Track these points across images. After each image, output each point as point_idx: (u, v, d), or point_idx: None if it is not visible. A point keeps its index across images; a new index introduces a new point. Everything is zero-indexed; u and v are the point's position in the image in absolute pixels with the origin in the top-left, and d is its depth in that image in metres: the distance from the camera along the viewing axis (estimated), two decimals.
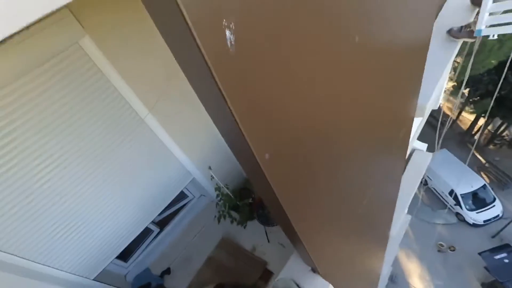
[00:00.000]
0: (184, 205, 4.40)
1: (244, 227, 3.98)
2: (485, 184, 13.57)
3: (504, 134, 15.22)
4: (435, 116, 16.12)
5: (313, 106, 1.01)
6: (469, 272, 12.19)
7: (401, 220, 7.73)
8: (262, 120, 0.81)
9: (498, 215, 13.08)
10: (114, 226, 3.10)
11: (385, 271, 10.67)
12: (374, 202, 2.59)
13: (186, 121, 3.19)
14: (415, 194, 15.03)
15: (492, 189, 13.63)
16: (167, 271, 3.87)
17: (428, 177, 14.27)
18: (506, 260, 11.54)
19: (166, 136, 3.09)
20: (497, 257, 11.62)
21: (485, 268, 11.81)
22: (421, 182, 15.83)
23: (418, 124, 3.31)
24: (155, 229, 4.12)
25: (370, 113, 1.54)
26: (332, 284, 2.13)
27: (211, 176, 3.82)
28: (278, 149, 0.91)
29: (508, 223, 12.27)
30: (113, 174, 2.79)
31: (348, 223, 1.99)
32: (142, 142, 2.87)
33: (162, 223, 4.17)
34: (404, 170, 6.09)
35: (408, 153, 4.59)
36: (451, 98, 14.69)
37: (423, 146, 6.61)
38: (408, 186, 6.50)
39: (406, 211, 8.27)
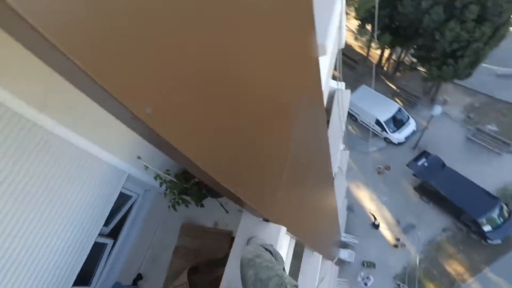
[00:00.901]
0: (131, 206, 4.17)
1: (201, 206, 3.96)
2: (400, 107, 15.69)
3: (405, 60, 17.42)
4: (350, 56, 17.75)
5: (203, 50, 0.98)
6: (404, 182, 14.39)
7: (339, 156, 8.66)
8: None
9: (414, 130, 15.38)
10: (52, 255, 2.70)
11: (341, 204, 12.06)
12: (305, 147, 2.72)
13: (92, 112, 2.62)
14: (349, 130, 16.70)
15: (405, 110, 15.84)
16: (139, 277, 3.79)
17: (356, 113, 15.95)
18: (426, 164, 13.89)
19: (75, 136, 2.66)
20: (419, 163, 13.90)
21: (413, 174, 14.08)
22: (351, 119, 17.67)
23: (328, 63, 3.72)
24: (108, 241, 3.84)
25: (272, 58, 1.58)
26: (286, 227, 2.27)
27: (145, 166, 3.60)
28: (167, 104, 0.86)
29: (422, 134, 14.53)
30: (32, 198, 2.41)
31: (282, 171, 2.03)
32: (49, 150, 2.46)
33: (113, 232, 3.92)
34: (329, 114, 6.86)
35: (327, 94, 5.08)
36: (359, 37, 16.19)
37: (342, 85, 7.46)
38: (338, 124, 7.33)
39: (341, 147, 9.28)
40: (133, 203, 4.13)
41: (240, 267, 1.64)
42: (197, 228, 3.97)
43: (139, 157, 3.49)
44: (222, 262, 2.25)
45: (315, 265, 5.49)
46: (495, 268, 11.94)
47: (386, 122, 15.28)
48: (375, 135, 15.58)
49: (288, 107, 2.03)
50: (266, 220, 2.19)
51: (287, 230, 2.36)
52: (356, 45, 18.71)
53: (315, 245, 4.99)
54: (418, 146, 14.94)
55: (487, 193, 12.93)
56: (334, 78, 6.60)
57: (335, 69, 4.80)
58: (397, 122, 15.43)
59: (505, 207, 12.75)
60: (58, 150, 2.53)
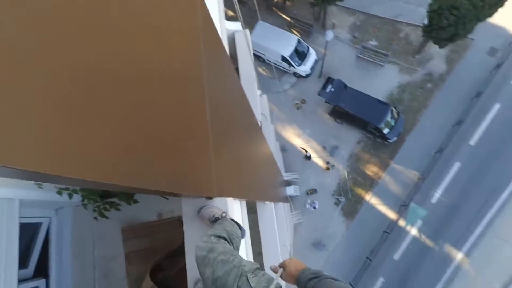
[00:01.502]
0: (47, 233, 3.40)
1: (135, 202, 3.47)
2: (298, 39, 16.07)
3: None
4: None
5: None
6: (320, 110, 15.77)
7: (259, 103, 8.66)
8: None
9: (315, 59, 16.32)
10: None
11: (275, 147, 12.60)
12: (223, 108, 2.52)
13: None
14: (261, 73, 16.41)
15: (303, 40, 16.39)
16: None
17: (262, 53, 15.66)
18: (332, 89, 15.36)
19: None
20: (327, 90, 15.22)
21: (325, 102, 15.53)
22: (259, 60, 17.17)
23: (216, 5, 3.28)
24: (39, 283, 3.16)
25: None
26: (231, 196, 2.24)
27: (37, 184, 2.86)
28: None
29: (323, 62, 15.62)
30: None
31: (205, 145, 1.89)
32: None
33: (40, 270, 3.23)
34: (235, 60, 6.44)
35: (225, 38, 4.72)
36: None
37: (237, 25, 6.98)
38: (248, 69, 7.09)
39: (258, 93, 9.21)
40: (48, 229, 3.39)
41: (197, 267, 1.58)
42: (141, 226, 3.60)
43: None
44: (183, 249, 2.15)
45: (270, 211, 5.84)
46: (397, 160, 15.21)
47: (291, 56, 15.60)
48: (284, 72, 15.94)
49: (184, 70, 1.69)
50: (209, 198, 2.11)
51: (234, 198, 2.31)
52: None
53: (264, 196, 5.27)
54: (322, 74, 16.11)
55: (380, 101, 15.45)
56: (228, 19, 6.01)
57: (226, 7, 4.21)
58: (300, 55, 15.95)
59: (394, 109, 15.70)
60: None
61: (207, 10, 2.18)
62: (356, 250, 14.33)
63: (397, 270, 14.10)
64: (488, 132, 15.04)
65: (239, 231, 2.00)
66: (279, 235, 5.90)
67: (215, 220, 2.03)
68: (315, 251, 14.05)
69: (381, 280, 14.06)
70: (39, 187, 2.86)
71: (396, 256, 14.27)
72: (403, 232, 14.50)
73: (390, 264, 14.14)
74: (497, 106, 15.46)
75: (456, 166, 15.26)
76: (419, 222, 14.65)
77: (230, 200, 2.14)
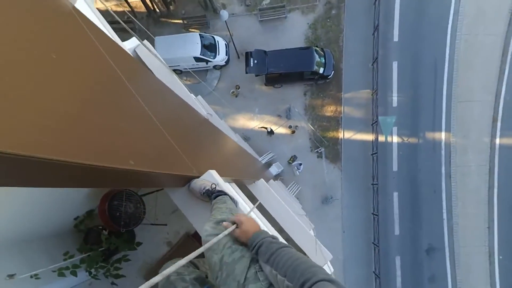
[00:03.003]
0: None
1: (139, 245, 3.40)
2: (199, 34, 15.72)
3: None
4: (118, 21, 15.58)
5: None
6: (256, 86, 15.64)
7: (198, 103, 8.70)
8: None
9: (225, 44, 16.03)
10: None
11: (237, 139, 12.33)
12: (155, 101, 2.79)
13: None
14: (185, 83, 16.10)
15: (205, 33, 16.08)
16: None
17: (175, 65, 15.07)
18: (256, 61, 15.14)
19: None
20: (252, 64, 14.96)
21: (256, 75, 15.38)
22: (177, 73, 16.66)
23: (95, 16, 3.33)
24: None
25: None
26: (214, 169, 2.28)
27: (32, 275, 2.50)
28: None
29: (233, 41, 15.43)
30: None
31: (161, 135, 2.02)
32: None
33: None
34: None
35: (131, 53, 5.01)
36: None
37: (133, 40, 6.71)
38: (164, 73, 6.97)
39: (192, 96, 9.10)
40: None
41: (204, 251, 1.51)
42: (160, 263, 3.42)
43: (10, 276, 2.34)
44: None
45: (264, 186, 5.81)
46: (345, 89, 15.45)
47: (202, 53, 15.23)
48: (206, 71, 15.56)
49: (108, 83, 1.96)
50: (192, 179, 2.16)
51: (219, 171, 2.34)
52: (113, 9, 16.41)
53: (249, 175, 5.56)
54: (239, 53, 15.94)
55: (301, 48, 15.65)
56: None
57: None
58: (210, 47, 15.59)
59: (317, 48, 15.94)
60: None
61: (107, 38, 2.49)
62: (360, 183, 14.53)
63: (401, 179, 14.50)
64: (402, 23, 15.81)
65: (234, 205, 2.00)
66: (288, 206, 5.78)
67: (206, 193, 2.01)
68: (328, 206, 14.04)
69: (395, 195, 14.37)
70: (37, 278, 2.43)
71: (394, 167, 14.64)
72: (387, 145, 14.90)
73: (393, 176, 14.48)
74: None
75: (395, 65, 15.90)
76: (395, 129, 15.11)
77: (215, 173, 2.15)
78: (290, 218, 5.30)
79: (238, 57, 15.95)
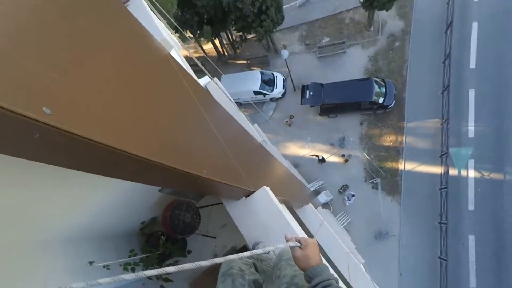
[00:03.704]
0: None
1: (189, 253, 3.65)
2: (260, 71, 17.25)
3: (235, 37, 19.17)
4: (195, 64, 18.36)
5: None
6: (310, 116, 15.97)
7: (255, 131, 9.47)
8: None
9: (283, 79, 17.15)
10: None
11: (287, 164, 12.53)
12: (228, 132, 3.37)
13: None
14: (245, 114, 17.09)
15: (266, 70, 17.54)
16: None
17: (236, 98, 16.68)
18: (311, 93, 15.63)
19: None
20: (307, 96, 15.47)
21: (310, 106, 15.73)
22: (238, 107, 17.92)
23: (181, 60, 4.10)
24: None
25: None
26: (268, 186, 2.44)
27: (104, 266, 2.84)
28: None
29: (291, 77, 16.35)
30: None
31: (224, 151, 2.40)
32: None
33: None
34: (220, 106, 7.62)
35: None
36: (184, 45, 16.93)
37: (206, 79, 7.83)
38: (230, 105, 7.81)
39: (251, 125, 9.85)
40: None
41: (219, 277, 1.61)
42: (206, 273, 3.52)
43: (90, 263, 2.71)
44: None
45: (312, 212, 5.78)
46: (408, 118, 14.46)
47: (261, 87, 16.57)
48: (263, 103, 16.72)
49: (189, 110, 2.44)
50: (248, 195, 2.32)
51: (272, 190, 2.45)
52: (191, 55, 19.54)
53: (297, 199, 5.67)
54: (295, 86, 16.73)
55: (361, 79, 15.56)
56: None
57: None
58: (268, 82, 16.91)
59: (376, 79, 15.58)
60: None
61: (190, 76, 3.13)
62: (423, 220, 12.67)
63: (480, 220, 12.13)
64: (481, 50, 14.43)
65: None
66: (336, 234, 5.74)
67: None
68: (382, 243, 12.54)
69: (471, 238, 11.99)
70: (107, 269, 2.86)
71: (470, 206, 12.40)
72: (460, 179, 12.90)
73: (469, 217, 12.22)
74: (475, 25, 15.13)
75: (472, 93, 14.28)
76: (471, 162, 13.08)
77: (268, 190, 2.36)
78: (341, 252, 5.08)
79: (295, 90, 16.72)
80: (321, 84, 15.86)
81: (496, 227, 11.94)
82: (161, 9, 4.88)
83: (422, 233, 12.46)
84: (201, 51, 18.44)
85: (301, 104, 15.60)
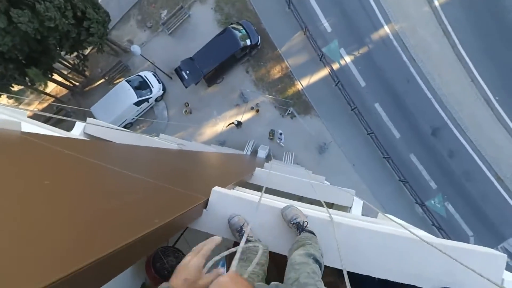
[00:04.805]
0: None
1: None
2: (123, 82, 15.60)
3: (73, 62, 16.49)
4: (58, 111, 15.57)
5: None
6: (202, 93, 15.57)
7: (165, 140, 8.89)
8: None
9: (153, 74, 15.97)
10: None
11: (216, 150, 12.43)
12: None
13: None
14: (141, 128, 15.82)
15: (130, 76, 15.94)
16: None
17: (125, 121, 15.07)
18: (187, 71, 14.96)
19: None
20: (185, 76, 14.86)
21: (195, 84, 15.30)
22: (126, 126, 16.41)
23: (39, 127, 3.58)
24: None
25: None
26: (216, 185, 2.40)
27: None
28: None
29: (155, 70, 15.27)
30: None
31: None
32: None
33: None
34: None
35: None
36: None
37: (79, 126, 6.69)
38: (125, 138, 7.07)
39: (155, 137, 9.15)
40: None
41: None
42: None
43: None
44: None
45: (261, 172, 5.84)
46: (278, 45, 15.37)
47: (138, 94, 15.15)
48: (151, 108, 15.55)
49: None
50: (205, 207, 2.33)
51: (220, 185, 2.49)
52: (39, 108, 16.28)
53: (243, 172, 5.63)
54: (169, 74, 15.81)
55: (220, 34, 15.37)
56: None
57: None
58: (142, 86, 15.45)
59: (233, 25, 15.60)
60: None
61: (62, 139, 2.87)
62: (341, 116, 14.61)
63: (373, 89, 14.55)
64: None
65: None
66: (291, 174, 5.88)
67: (296, 225, 2.09)
68: (326, 153, 14.22)
69: (377, 105, 14.46)
70: None
71: (362, 83, 14.65)
72: (344, 68, 14.89)
73: (365, 91, 14.53)
74: None
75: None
76: (342, 51, 15.04)
77: (219, 188, 2.31)
78: (299, 183, 5.35)
79: (171, 78, 15.83)
80: (191, 58, 15.29)
81: (384, 86, 14.54)
82: None
83: (346, 125, 14.42)
84: (49, 97, 15.52)
85: (186, 87, 14.95)
